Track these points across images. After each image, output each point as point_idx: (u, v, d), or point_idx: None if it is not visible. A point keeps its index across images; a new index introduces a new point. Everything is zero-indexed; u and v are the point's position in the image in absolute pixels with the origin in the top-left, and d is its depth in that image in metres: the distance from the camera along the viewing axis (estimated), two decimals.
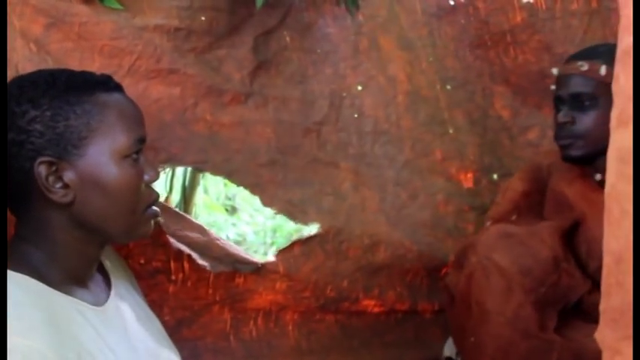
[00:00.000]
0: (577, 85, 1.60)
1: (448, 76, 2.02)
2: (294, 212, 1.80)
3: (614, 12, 1.94)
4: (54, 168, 1.06)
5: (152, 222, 1.19)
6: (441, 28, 2.00)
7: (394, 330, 1.98)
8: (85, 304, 1.09)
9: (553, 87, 1.68)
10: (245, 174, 1.74)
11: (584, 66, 1.59)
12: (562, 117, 1.61)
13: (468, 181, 2.01)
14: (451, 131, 2.01)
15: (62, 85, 1.08)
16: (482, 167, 2.05)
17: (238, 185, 1.78)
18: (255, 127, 1.74)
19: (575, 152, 1.62)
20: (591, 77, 1.58)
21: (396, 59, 1.95)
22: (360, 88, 1.92)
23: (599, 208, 1.61)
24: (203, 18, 1.65)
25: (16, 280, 1.02)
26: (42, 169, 1.05)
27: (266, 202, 1.79)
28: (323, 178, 1.84)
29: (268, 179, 1.76)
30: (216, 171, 1.75)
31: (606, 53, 1.57)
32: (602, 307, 0.62)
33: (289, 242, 1.84)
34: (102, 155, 1.08)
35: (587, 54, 1.63)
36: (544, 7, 1.99)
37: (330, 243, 1.83)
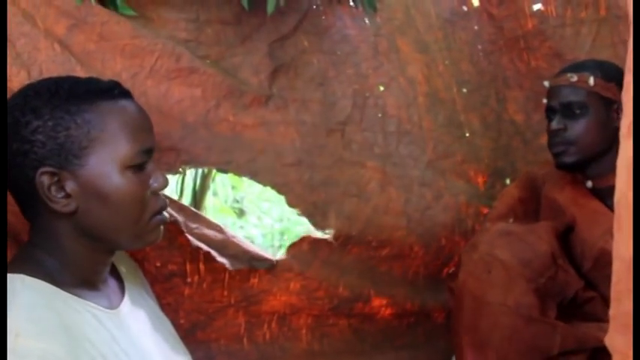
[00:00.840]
0: (568, 95, 1.69)
1: (464, 80, 2.04)
2: (316, 215, 1.79)
3: (622, 20, 1.96)
4: (56, 178, 1.06)
5: (161, 228, 1.18)
6: (455, 33, 2.03)
7: (406, 334, 1.98)
8: (98, 307, 1.10)
9: (545, 100, 1.75)
10: (270, 174, 1.73)
11: (574, 77, 1.68)
12: (555, 124, 1.69)
13: (482, 184, 2.03)
14: (467, 134, 2.03)
15: (64, 94, 1.08)
16: (496, 171, 2.06)
17: (264, 185, 1.76)
18: (277, 128, 1.74)
19: (568, 159, 1.69)
20: (581, 87, 1.67)
21: (414, 61, 1.96)
22: (382, 88, 1.92)
23: (588, 212, 1.67)
24: (210, 31, 1.66)
25: (29, 284, 1.03)
26: (44, 179, 1.06)
27: (292, 202, 1.77)
28: (349, 177, 1.83)
29: (295, 179, 1.75)
30: (240, 171, 1.74)
31: (593, 66, 1.69)
32: (612, 312, 0.62)
33: (299, 238, 1.82)
34: (103, 165, 1.08)
35: (575, 67, 1.72)
36: (554, 14, 2.02)
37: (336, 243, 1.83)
